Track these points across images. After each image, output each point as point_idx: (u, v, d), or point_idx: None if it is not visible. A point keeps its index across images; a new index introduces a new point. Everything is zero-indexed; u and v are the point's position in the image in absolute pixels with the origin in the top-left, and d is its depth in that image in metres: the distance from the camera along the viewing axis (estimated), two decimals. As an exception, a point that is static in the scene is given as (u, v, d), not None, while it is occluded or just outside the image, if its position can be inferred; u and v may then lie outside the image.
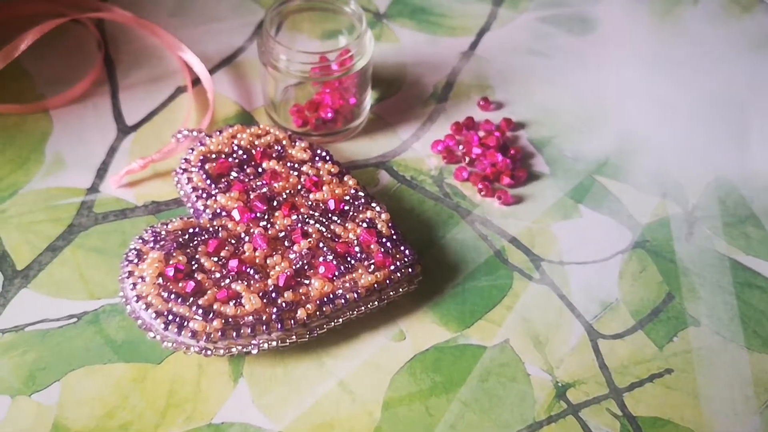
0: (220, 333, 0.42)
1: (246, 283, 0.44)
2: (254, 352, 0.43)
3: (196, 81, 0.58)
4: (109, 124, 0.55)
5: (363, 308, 0.46)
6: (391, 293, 0.46)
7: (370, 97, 0.57)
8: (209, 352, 0.43)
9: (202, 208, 0.47)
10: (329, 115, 0.55)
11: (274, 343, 0.43)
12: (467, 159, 0.55)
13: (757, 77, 0.62)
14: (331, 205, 0.48)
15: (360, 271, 0.45)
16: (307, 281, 0.45)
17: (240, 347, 0.43)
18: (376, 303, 0.46)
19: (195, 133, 0.52)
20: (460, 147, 0.56)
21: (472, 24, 0.64)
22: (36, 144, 0.53)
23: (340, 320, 0.45)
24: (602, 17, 0.65)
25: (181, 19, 0.62)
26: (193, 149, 0.50)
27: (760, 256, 0.51)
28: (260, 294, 0.44)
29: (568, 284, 0.49)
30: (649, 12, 0.67)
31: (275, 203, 0.48)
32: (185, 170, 0.49)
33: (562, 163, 0.56)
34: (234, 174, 0.49)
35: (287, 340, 0.44)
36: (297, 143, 0.51)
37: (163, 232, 0.45)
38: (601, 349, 0.47)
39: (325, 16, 0.57)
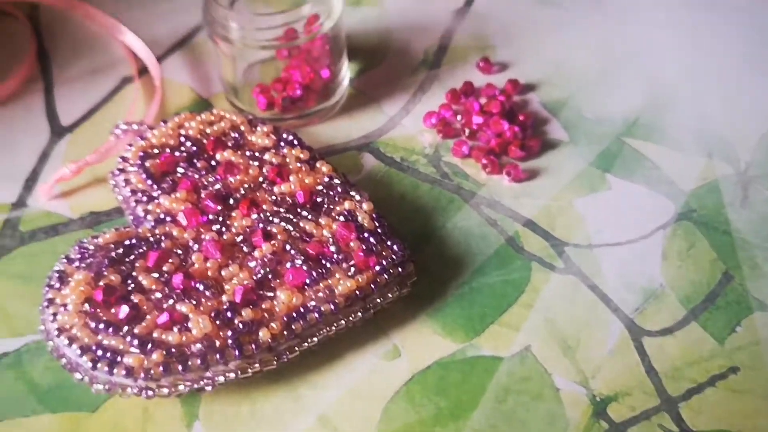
0: (161, 368, 0.35)
1: (194, 303, 0.37)
2: (209, 388, 0.36)
3: (144, 70, 0.50)
4: (41, 125, 0.48)
5: (343, 322, 0.38)
6: (378, 300, 0.39)
7: (347, 69, 0.50)
8: (151, 393, 0.35)
9: (142, 214, 0.40)
10: (298, 92, 0.47)
11: (233, 375, 0.36)
12: (467, 131, 0.47)
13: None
14: (300, 197, 0.41)
15: (337, 275, 0.38)
16: (271, 294, 0.37)
17: (190, 384, 0.36)
18: (359, 314, 0.38)
19: (136, 126, 0.44)
20: (459, 118, 0.48)
21: (466, -24, 0.56)
22: (-45, 156, 0.46)
23: (315, 339, 0.38)
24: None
25: (127, 1, 0.54)
26: (131, 145, 0.42)
27: (837, 219, 0.42)
28: (212, 314, 0.36)
29: (600, 272, 0.41)
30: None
31: (231, 201, 0.41)
32: (122, 171, 0.42)
33: (582, 126, 0.48)
34: (181, 170, 0.41)
35: (249, 370, 0.36)
36: (258, 128, 0.44)
37: (93, 247, 0.38)
38: (646, 349, 0.39)
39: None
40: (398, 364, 0.38)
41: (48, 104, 0.49)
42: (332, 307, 0.37)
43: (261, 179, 0.41)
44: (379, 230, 0.40)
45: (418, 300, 0.40)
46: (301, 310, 0.37)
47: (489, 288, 0.41)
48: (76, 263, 0.38)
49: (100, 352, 0.35)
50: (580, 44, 0.52)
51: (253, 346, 0.36)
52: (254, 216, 0.40)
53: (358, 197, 0.41)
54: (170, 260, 0.38)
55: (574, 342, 0.39)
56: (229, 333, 0.36)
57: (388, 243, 0.39)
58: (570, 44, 0.52)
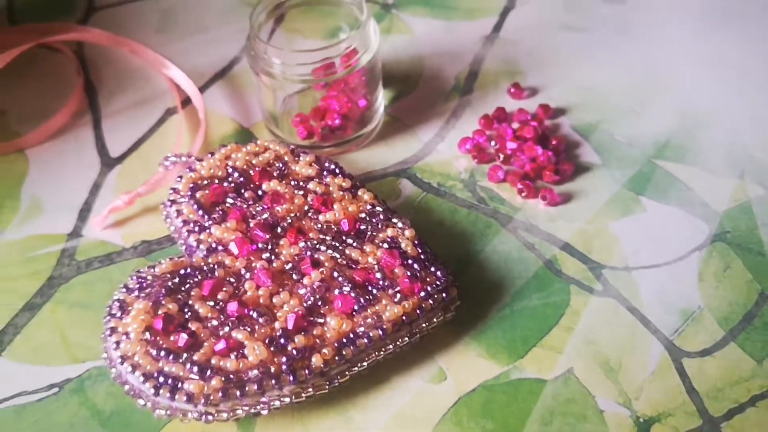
0: (220, 393, 0.36)
1: (249, 330, 0.38)
2: (264, 412, 0.37)
3: (187, 101, 0.51)
4: (91, 157, 0.49)
5: (391, 346, 0.39)
6: (424, 325, 0.40)
7: (382, 98, 0.50)
8: (211, 417, 0.36)
9: (195, 244, 0.41)
10: (336, 121, 0.48)
11: (288, 400, 0.37)
12: (501, 156, 0.48)
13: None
14: (345, 225, 0.42)
15: (384, 302, 0.39)
16: (321, 320, 0.39)
17: (247, 408, 0.37)
18: (406, 339, 0.39)
19: (184, 158, 0.45)
20: (492, 143, 0.49)
21: (494, 3, 0.57)
22: (10, 189, 0.48)
23: (365, 364, 0.38)
24: (644, -22, 0.58)
25: (168, 34, 0.56)
26: (181, 177, 0.44)
27: None
28: (266, 341, 0.37)
29: (639, 294, 0.42)
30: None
31: (279, 230, 0.42)
32: (173, 202, 0.43)
33: (614, 149, 0.48)
34: (230, 201, 0.43)
35: (303, 394, 0.37)
36: (301, 158, 0.45)
37: (150, 277, 0.39)
38: (687, 370, 0.39)
39: (322, 11, 0.50)
40: (444, 387, 0.39)
41: (97, 137, 0.50)
42: (380, 332, 0.38)
43: (306, 208, 0.42)
44: (422, 256, 0.41)
45: (461, 324, 0.41)
46: (351, 336, 0.38)
47: (530, 311, 0.42)
48: (135, 292, 0.39)
49: (161, 379, 0.36)
50: (608, 67, 0.53)
51: (306, 372, 0.37)
52: (301, 244, 0.41)
53: (400, 224, 0.42)
54: (224, 288, 0.39)
55: (615, 364, 0.39)
56: (284, 359, 0.37)
57: (432, 269, 0.40)
58: (598, 68, 0.53)
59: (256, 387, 0.36)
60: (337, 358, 0.38)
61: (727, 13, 0.55)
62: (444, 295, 0.40)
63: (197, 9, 0.58)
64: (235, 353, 0.37)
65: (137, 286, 0.39)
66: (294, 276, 0.40)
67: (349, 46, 0.45)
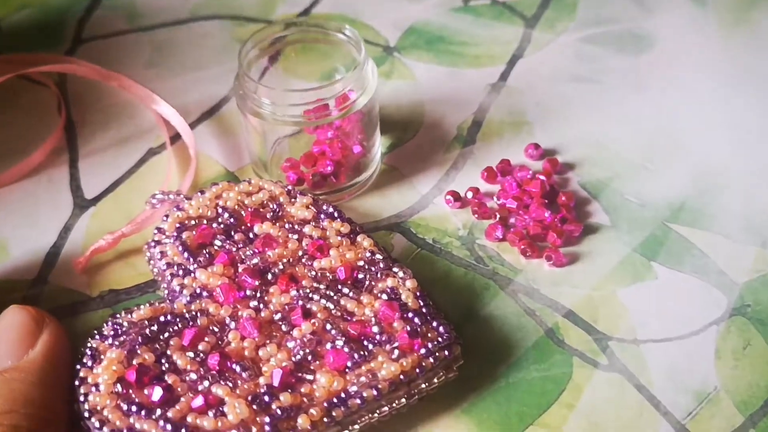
0: None
1: (230, 385, 0.35)
2: None
3: (175, 138, 0.49)
4: (64, 199, 0.46)
5: (386, 408, 0.36)
6: (424, 386, 0.37)
7: (380, 145, 0.48)
8: None
9: (178, 288, 0.39)
10: (329, 168, 0.45)
11: None
12: (498, 216, 0.45)
13: None
14: (341, 273, 0.39)
15: (380, 358, 0.36)
16: (310, 377, 0.36)
17: None
18: (404, 400, 0.36)
19: (172, 196, 0.43)
20: (495, 198, 0.45)
21: (501, 51, 0.55)
22: (-25, 231, 0.45)
23: (356, 427, 0.35)
24: (659, 32, 0.56)
25: (158, 70, 0.54)
26: (167, 216, 0.41)
27: None
28: (249, 398, 0.34)
29: (648, 370, 0.38)
30: (717, 20, 0.56)
31: (270, 276, 0.39)
32: (158, 242, 0.40)
33: (625, 210, 0.45)
34: (218, 243, 0.40)
35: None
36: (297, 199, 0.42)
37: (126, 324, 0.37)
38: None
39: (319, 51, 0.48)
40: (430, 467, 0.35)
41: (72, 176, 0.47)
42: (375, 392, 0.35)
43: (300, 253, 0.40)
44: (423, 310, 0.38)
45: (452, 393, 0.37)
46: (343, 395, 0.35)
47: (527, 384, 0.38)
48: (110, 340, 0.36)
49: (131, 437, 0.33)
50: (619, 122, 0.50)
51: (292, 434, 0.34)
52: (293, 292, 0.38)
53: (401, 274, 0.39)
54: (206, 339, 0.36)
55: (621, 449, 0.36)
56: (267, 419, 0.34)
57: (434, 324, 0.37)
58: (609, 122, 0.50)
59: (234, 450, 0.33)
60: (326, 419, 0.34)
61: (748, 73, 0.52)
62: (446, 353, 0.37)
63: (191, 45, 0.55)
64: (214, 411, 0.34)
65: (112, 333, 0.36)
66: (283, 327, 0.37)
67: (344, 88, 0.43)
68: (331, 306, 0.38)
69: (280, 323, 0.37)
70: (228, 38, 0.56)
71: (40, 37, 0.56)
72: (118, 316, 0.37)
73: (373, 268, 0.39)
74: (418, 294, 0.38)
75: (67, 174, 0.48)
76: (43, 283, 0.42)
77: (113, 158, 0.48)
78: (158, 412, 0.34)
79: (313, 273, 0.39)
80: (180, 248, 0.40)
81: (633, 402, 0.37)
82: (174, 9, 0.58)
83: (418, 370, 0.36)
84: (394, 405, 0.36)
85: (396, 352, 0.36)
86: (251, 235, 0.41)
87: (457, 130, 0.50)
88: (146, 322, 0.37)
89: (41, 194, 0.47)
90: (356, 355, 0.36)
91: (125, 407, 0.34)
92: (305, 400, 0.35)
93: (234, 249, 0.40)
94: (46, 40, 0.56)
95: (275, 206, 0.42)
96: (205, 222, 0.41)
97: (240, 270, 0.39)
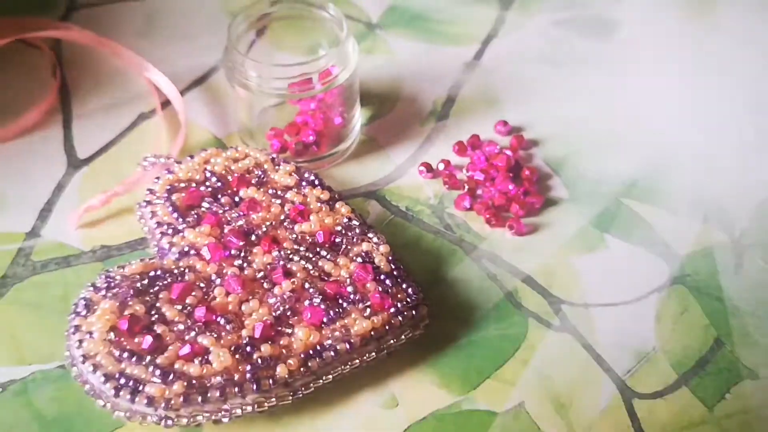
0: (182, 398, 0.36)
1: (215, 336, 0.38)
2: (225, 420, 0.37)
3: (165, 105, 0.51)
4: (58, 157, 0.49)
5: (358, 361, 0.39)
6: (392, 341, 0.40)
7: (359, 117, 0.50)
8: (170, 422, 0.36)
9: (167, 246, 0.41)
10: (311, 137, 0.48)
11: (250, 408, 0.37)
12: (466, 187, 0.48)
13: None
14: (320, 237, 0.42)
15: (354, 315, 0.39)
16: (289, 331, 0.39)
17: (208, 415, 0.37)
18: (373, 354, 0.40)
19: (163, 160, 0.45)
20: (464, 170, 0.49)
21: (477, 31, 0.58)
22: (-27, 183, 0.47)
23: (330, 377, 0.39)
24: (624, 18, 0.59)
25: (149, 39, 0.56)
26: (158, 178, 0.44)
27: (827, 291, 0.43)
28: (232, 348, 0.37)
29: (595, 331, 0.42)
30: (680, 7, 0.59)
31: (253, 238, 0.42)
32: (149, 203, 0.43)
33: (583, 185, 0.49)
34: (206, 205, 0.43)
35: (266, 404, 0.37)
36: (281, 167, 0.45)
37: (119, 277, 0.39)
38: (637, 411, 0.39)
39: (304, 27, 0.50)
40: (395, 413, 0.39)
41: (66, 137, 0.50)
42: (348, 346, 0.38)
43: (282, 217, 0.43)
44: (395, 273, 0.41)
45: (418, 349, 0.41)
46: (318, 348, 0.38)
47: (487, 342, 0.42)
48: (103, 292, 0.39)
49: (122, 381, 0.36)
50: (584, 103, 0.53)
51: (270, 381, 0.37)
52: (275, 253, 0.41)
53: (375, 239, 0.42)
54: (193, 293, 0.39)
55: (567, 400, 0.39)
56: (248, 367, 0.37)
57: (404, 286, 0.40)
58: (574, 102, 0.53)
59: (218, 394, 0.36)
60: (302, 369, 0.38)
61: (708, 59, 0.56)
62: (414, 312, 0.40)
63: (182, 15, 0.58)
64: (200, 359, 0.37)
65: (105, 285, 0.39)
66: (265, 285, 0.40)
67: (327, 63, 0.46)
68: (310, 267, 0.41)
69: (262, 281, 0.40)
70: (218, 9, 0.58)
71: (34, 2, 0.58)
72: (110, 270, 0.40)
73: (349, 233, 0.42)
74: (390, 258, 0.41)
75: (61, 134, 0.50)
76: (36, 237, 0.45)
77: (106, 121, 0.51)
78: (148, 358, 0.36)
79: (294, 236, 0.42)
80: (170, 209, 0.42)
81: (580, 359, 0.41)
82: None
83: (387, 328, 0.39)
84: (364, 358, 0.39)
85: (368, 310, 0.39)
86: (237, 199, 0.43)
87: (432, 105, 0.53)
88: (137, 276, 0.39)
89: (36, 152, 0.49)
90: (332, 312, 0.39)
91: (117, 354, 0.37)
92: (284, 351, 0.38)
93: (221, 211, 0.43)
94: (41, 6, 0.57)
95: (260, 173, 0.45)
96: (194, 185, 0.44)
97: (226, 231, 0.42)
